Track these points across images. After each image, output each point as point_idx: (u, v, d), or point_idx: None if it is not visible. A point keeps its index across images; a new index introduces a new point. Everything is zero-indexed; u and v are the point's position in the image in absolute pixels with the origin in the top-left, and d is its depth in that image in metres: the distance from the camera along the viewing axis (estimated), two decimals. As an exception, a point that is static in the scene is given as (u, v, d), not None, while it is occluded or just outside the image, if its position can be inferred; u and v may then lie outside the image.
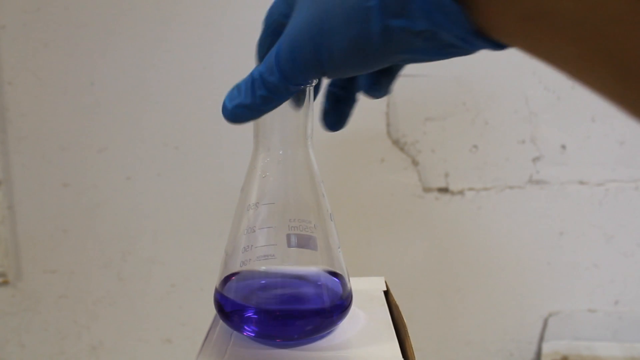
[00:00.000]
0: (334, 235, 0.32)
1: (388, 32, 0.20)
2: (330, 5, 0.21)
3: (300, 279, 0.31)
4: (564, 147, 0.61)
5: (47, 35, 0.60)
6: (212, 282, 0.33)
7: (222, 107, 0.26)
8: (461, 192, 0.62)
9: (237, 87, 0.25)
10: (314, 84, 0.29)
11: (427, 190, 0.63)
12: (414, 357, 0.29)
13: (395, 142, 0.62)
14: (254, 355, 0.29)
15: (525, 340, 0.66)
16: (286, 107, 0.29)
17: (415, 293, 0.65)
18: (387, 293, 0.37)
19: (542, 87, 0.60)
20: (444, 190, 0.62)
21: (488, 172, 0.62)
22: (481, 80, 0.60)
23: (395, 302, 0.35)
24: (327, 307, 0.30)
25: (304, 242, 0.30)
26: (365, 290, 0.37)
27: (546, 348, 0.65)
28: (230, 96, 0.26)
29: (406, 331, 0.31)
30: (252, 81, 0.24)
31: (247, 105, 0.25)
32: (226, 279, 0.31)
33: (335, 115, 0.31)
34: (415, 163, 0.62)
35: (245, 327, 0.30)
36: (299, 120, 0.30)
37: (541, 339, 0.66)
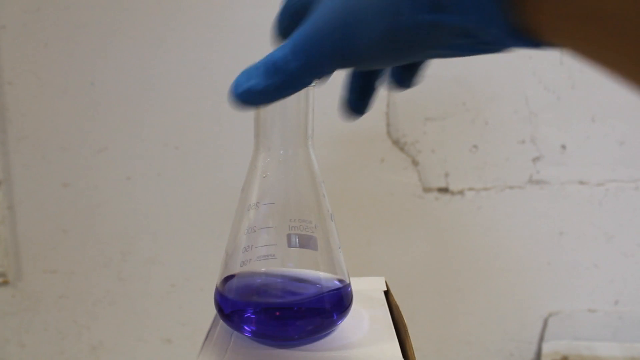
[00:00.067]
0: (335, 236, 0.32)
1: (419, 27, 0.19)
2: None
3: (301, 279, 0.31)
4: (564, 147, 0.61)
5: (47, 35, 0.60)
6: (212, 282, 0.33)
7: (231, 90, 0.24)
8: (461, 192, 0.62)
9: (250, 71, 0.23)
10: (315, 85, 0.29)
11: (427, 190, 0.63)
12: (414, 357, 0.29)
13: (395, 142, 0.62)
14: (254, 355, 0.29)
15: (525, 340, 0.66)
16: (287, 107, 0.29)
17: (415, 293, 0.65)
18: (387, 293, 0.37)
19: (542, 87, 0.60)
20: (444, 190, 0.62)
21: (488, 172, 0.62)
22: (481, 80, 0.60)
23: (395, 302, 0.35)
24: (327, 307, 0.30)
25: (305, 242, 0.30)
26: (365, 290, 0.37)
27: (546, 348, 0.65)
28: (240, 79, 0.24)
29: (406, 331, 0.31)
30: (269, 65, 0.23)
31: (259, 90, 0.23)
32: (226, 279, 0.31)
33: (357, 103, 0.29)
34: (415, 163, 0.62)
35: (246, 327, 0.30)
36: (299, 120, 0.30)
37: (541, 339, 0.66)
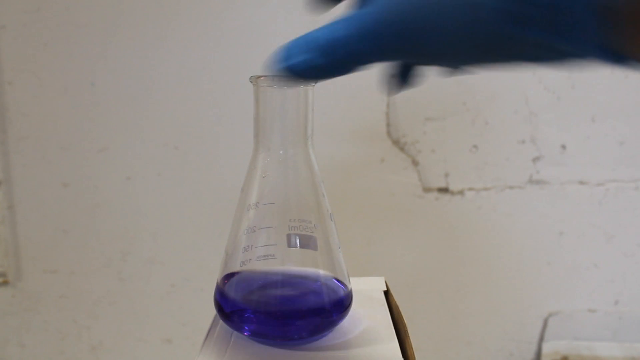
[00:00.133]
0: (334, 235, 0.32)
1: (499, 37, 0.18)
2: None
3: (300, 279, 0.31)
4: (564, 147, 0.61)
5: (47, 35, 0.60)
6: (212, 282, 0.33)
7: (280, 59, 0.22)
8: (461, 192, 0.62)
9: (301, 43, 0.22)
10: (314, 84, 0.29)
11: (427, 190, 0.63)
12: (414, 357, 0.29)
13: (395, 142, 0.62)
14: (254, 355, 0.29)
15: (525, 340, 0.66)
16: (286, 106, 0.29)
17: (415, 293, 0.65)
18: (387, 293, 0.37)
19: (542, 87, 0.60)
20: (444, 190, 0.62)
21: (488, 172, 0.62)
22: (481, 80, 0.60)
23: (395, 302, 0.35)
24: (327, 307, 0.30)
25: (304, 242, 0.30)
26: (365, 290, 0.37)
27: (546, 348, 0.65)
28: (293, 50, 0.22)
29: (406, 331, 0.31)
30: (329, 42, 0.21)
31: (314, 66, 0.22)
32: (226, 279, 0.31)
33: (401, 81, 0.28)
34: (415, 163, 0.62)
35: (245, 327, 0.30)
36: (299, 120, 0.30)
37: (541, 339, 0.66)
